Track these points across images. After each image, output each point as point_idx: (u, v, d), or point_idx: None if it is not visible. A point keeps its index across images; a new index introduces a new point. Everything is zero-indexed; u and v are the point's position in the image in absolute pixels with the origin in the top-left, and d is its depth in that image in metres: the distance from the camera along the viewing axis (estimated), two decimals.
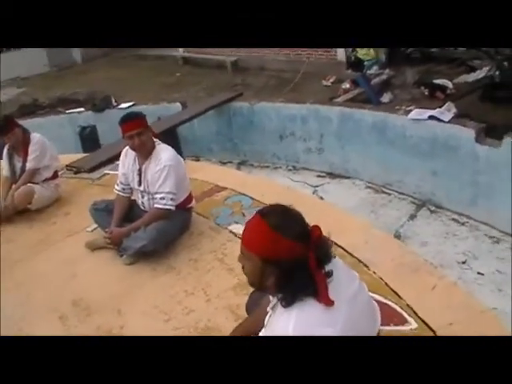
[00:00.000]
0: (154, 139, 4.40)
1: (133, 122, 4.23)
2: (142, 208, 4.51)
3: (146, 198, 4.44)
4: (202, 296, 3.80)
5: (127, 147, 4.42)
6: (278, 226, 1.96)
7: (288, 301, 2.00)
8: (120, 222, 4.43)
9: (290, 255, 1.95)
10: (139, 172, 4.38)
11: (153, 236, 4.16)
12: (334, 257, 2.12)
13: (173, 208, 4.28)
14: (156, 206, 4.29)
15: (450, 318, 3.15)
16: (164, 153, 4.31)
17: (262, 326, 2.26)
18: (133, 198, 4.62)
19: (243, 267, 2.15)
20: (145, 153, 4.33)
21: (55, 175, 5.49)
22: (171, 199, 4.25)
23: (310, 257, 1.94)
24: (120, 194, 4.57)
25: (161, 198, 4.23)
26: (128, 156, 4.48)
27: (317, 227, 2.04)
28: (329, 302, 1.93)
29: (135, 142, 4.22)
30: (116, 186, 4.60)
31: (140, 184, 4.40)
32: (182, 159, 4.53)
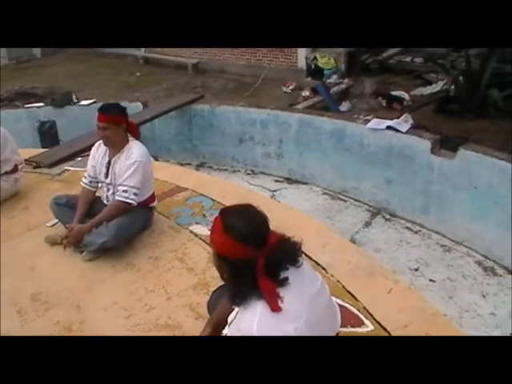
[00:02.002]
0: (129, 135, 4.43)
1: (103, 115, 4.26)
2: (106, 202, 4.51)
3: (110, 191, 4.44)
4: (162, 294, 3.83)
5: (100, 141, 4.44)
6: (228, 227, 2.05)
7: (236, 299, 2.10)
8: (82, 217, 4.41)
9: (238, 256, 2.04)
10: (108, 165, 4.40)
11: (114, 232, 4.16)
12: (302, 263, 2.19)
13: (134, 203, 4.30)
14: (117, 198, 4.29)
15: (404, 320, 3.26)
16: (136, 148, 4.35)
17: (225, 322, 2.32)
18: (97, 194, 4.62)
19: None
20: (113, 146, 4.36)
21: (15, 169, 5.40)
22: (134, 193, 4.27)
23: (258, 261, 2.02)
24: (86, 187, 4.55)
25: (123, 191, 4.25)
26: (99, 149, 4.50)
27: (274, 234, 2.11)
28: (276, 308, 1.99)
29: (101, 134, 4.28)
30: (83, 179, 4.60)
31: (107, 176, 4.41)
32: (151, 158, 4.57)
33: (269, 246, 2.05)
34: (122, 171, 4.28)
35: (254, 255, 2.02)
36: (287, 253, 2.12)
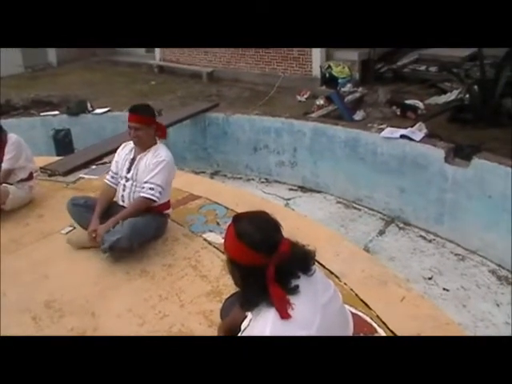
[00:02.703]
0: (157, 139, 4.51)
1: (134, 115, 4.35)
2: (121, 203, 4.53)
3: (127, 191, 4.48)
4: (175, 301, 3.85)
5: (125, 143, 4.56)
6: (241, 234, 2.08)
7: (246, 305, 2.12)
8: (101, 215, 4.44)
9: (248, 262, 2.07)
10: (132, 160, 4.47)
11: (129, 231, 4.18)
12: (314, 271, 2.21)
13: (158, 201, 4.36)
14: (142, 195, 4.34)
15: (417, 329, 3.25)
16: (163, 150, 4.45)
17: (238, 329, 2.33)
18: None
19: None
20: (141, 146, 4.43)
21: (30, 176, 5.46)
22: (159, 192, 4.33)
23: (269, 268, 2.03)
24: (108, 183, 4.62)
25: (150, 188, 4.31)
26: (125, 147, 4.60)
27: (286, 241, 2.12)
28: (285, 316, 2.00)
29: (132, 134, 4.36)
30: (107, 176, 4.67)
31: (129, 171, 4.46)
32: (175, 165, 4.64)
33: (280, 253, 2.06)
34: (148, 168, 4.34)
35: (265, 262, 2.03)
36: (299, 261, 2.14)
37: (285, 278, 2.07)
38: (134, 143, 4.45)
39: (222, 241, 2.27)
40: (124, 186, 4.50)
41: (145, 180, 4.34)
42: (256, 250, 2.04)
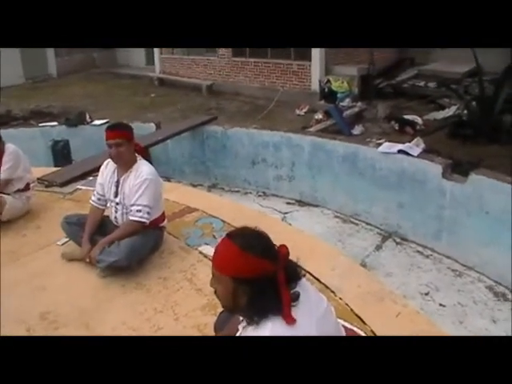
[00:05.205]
0: (137, 155, 4.46)
1: (114, 132, 4.29)
2: (115, 223, 4.53)
3: (119, 212, 4.46)
4: (170, 314, 3.82)
5: (109, 159, 4.47)
6: (246, 246, 2.04)
7: (256, 320, 2.08)
8: (91, 235, 4.45)
9: (261, 273, 2.03)
10: (117, 184, 4.42)
11: (126, 252, 4.16)
12: (304, 275, 2.21)
13: (147, 222, 4.32)
14: (131, 218, 4.30)
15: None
16: (145, 167, 4.37)
17: None
18: (106, 214, 4.66)
19: (215, 291, 2.20)
20: (123, 165, 4.38)
21: (27, 187, 5.45)
22: (147, 213, 4.28)
23: (279, 273, 2.03)
24: (94, 204, 4.59)
25: (137, 211, 4.26)
26: (108, 167, 4.53)
27: (284, 246, 2.13)
28: (290, 321, 1.99)
29: (113, 152, 4.28)
30: (92, 197, 4.64)
31: (116, 195, 4.43)
32: (159, 178, 4.59)
33: (283, 257, 2.08)
34: (133, 191, 4.30)
35: (274, 269, 2.03)
36: (296, 264, 2.17)
37: (293, 280, 2.09)
38: (115, 162, 4.39)
39: None
40: (115, 208, 4.50)
41: (131, 203, 4.31)
42: (264, 257, 2.03)
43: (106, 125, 4.63)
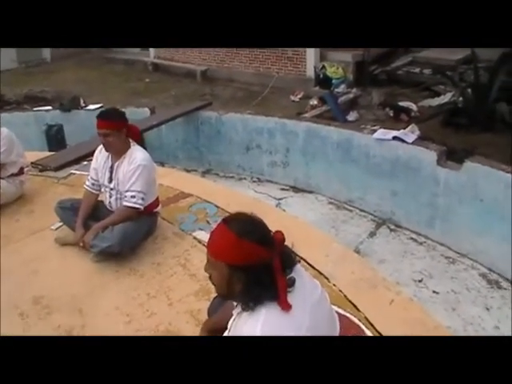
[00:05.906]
0: (131, 141, 4.43)
1: (103, 122, 4.26)
2: (109, 208, 4.52)
3: (113, 197, 4.45)
4: (164, 300, 3.83)
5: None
6: (243, 232, 2.03)
7: (251, 306, 2.07)
8: (85, 220, 4.45)
9: (257, 259, 2.02)
10: (111, 169, 4.41)
11: (120, 237, 4.17)
12: (299, 261, 2.21)
13: (141, 208, 4.32)
14: (125, 203, 4.30)
15: (405, 332, 3.25)
16: (139, 153, 4.36)
17: (225, 327, 2.31)
18: (100, 198, 4.64)
19: (210, 276, 2.19)
20: (115, 152, 4.37)
21: (21, 171, 5.43)
22: (142, 198, 4.28)
23: (275, 260, 2.02)
24: (88, 189, 4.58)
25: (131, 197, 4.26)
26: (102, 152, 4.51)
27: (279, 232, 2.13)
28: (286, 307, 1.99)
29: (103, 141, 4.29)
30: (86, 182, 4.63)
31: (110, 181, 4.42)
32: (153, 163, 4.57)
33: (279, 243, 2.08)
34: (127, 177, 4.28)
35: (270, 255, 2.02)
36: (291, 250, 2.17)
37: (288, 266, 2.09)
38: (106, 150, 4.39)
39: None
40: (110, 193, 4.49)
41: (125, 189, 4.30)
42: (261, 244, 2.02)
43: (100, 110, 4.60)
